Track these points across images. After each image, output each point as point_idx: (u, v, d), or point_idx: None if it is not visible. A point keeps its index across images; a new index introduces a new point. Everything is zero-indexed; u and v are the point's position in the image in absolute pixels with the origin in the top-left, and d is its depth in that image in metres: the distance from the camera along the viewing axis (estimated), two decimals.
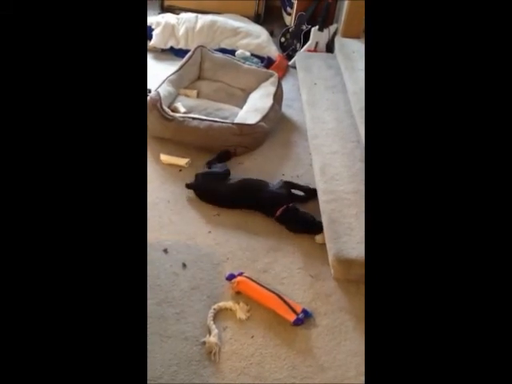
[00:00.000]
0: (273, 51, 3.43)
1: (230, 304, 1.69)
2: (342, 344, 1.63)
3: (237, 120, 2.55)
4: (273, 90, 2.77)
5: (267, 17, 3.97)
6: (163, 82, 2.66)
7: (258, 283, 1.76)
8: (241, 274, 1.79)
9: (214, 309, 1.66)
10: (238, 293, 1.74)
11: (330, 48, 3.46)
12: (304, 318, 1.66)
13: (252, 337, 1.61)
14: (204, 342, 1.55)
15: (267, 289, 1.74)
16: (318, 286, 1.83)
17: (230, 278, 1.78)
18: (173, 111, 2.50)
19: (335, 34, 3.44)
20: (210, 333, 1.58)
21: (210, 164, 2.30)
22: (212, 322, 1.61)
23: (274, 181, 2.24)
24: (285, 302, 1.69)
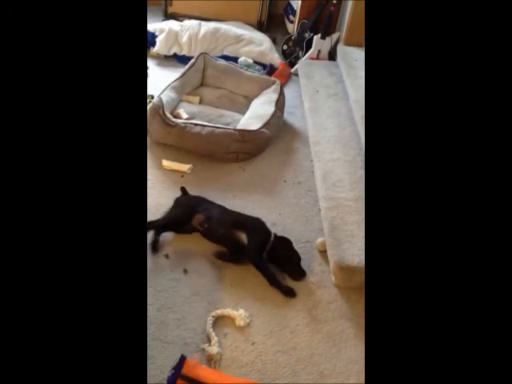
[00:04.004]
0: (275, 58, 3.45)
1: (228, 311, 1.68)
2: (342, 351, 1.63)
3: (239, 126, 2.56)
4: (275, 96, 2.79)
5: (270, 24, 4.00)
6: (166, 88, 2.68)
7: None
8: (183, 361, 1.47)
9: (213, 316, 1.65)
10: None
11: (332, 56, 3.48)
12: None
13: (252, 343, 1.61)
14: (204, 349, 1.55)
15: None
16: (319, 293, 1.83)
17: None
18: (175, 117, 2.51)
19: (337, 41, 3.46)
20: (209, 341, 1.58)
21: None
22: (211, 330, 1.60)
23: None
24: None
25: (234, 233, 1.90)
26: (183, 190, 2.14)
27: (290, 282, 1.85)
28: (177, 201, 2.08)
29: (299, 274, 1.87)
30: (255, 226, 1.93)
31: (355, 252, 1.84)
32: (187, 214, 1.98)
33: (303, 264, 1.92)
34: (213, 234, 1.94)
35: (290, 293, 1.79)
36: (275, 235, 1.92)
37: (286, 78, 3.38)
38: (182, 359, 1.47)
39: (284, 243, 1.91)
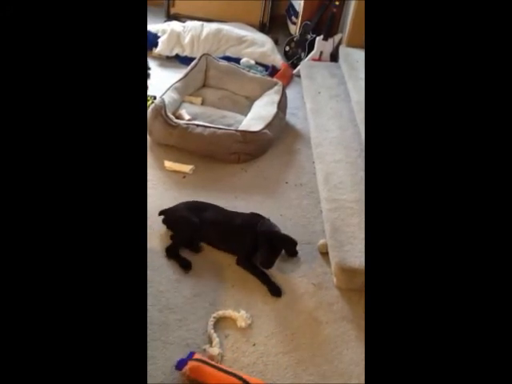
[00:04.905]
0: (277, 60, 3.45)
1: (230, 312, 1.68)
2: (343, 353, 1.63)
3: (241, 127, 2.56)
4: (277, 98, 2.79)
5: (272, 26, 4.00)
6: (168, 89, 2.68)
7: (214, 365, 1.47)
8: (192, 356, 1.49)
9: (214, 317, 1.65)
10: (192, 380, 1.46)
11: (334, 57, 3.49)
12: None
13: (254, 345, 1.61)
14: (205, 350, 1.55)
15: (225, 371, 1.45)
16: (321, 294, 1.83)
17: (180, 366, 1.47)
18: (177, 118, 2.52)
19: (340, 43, 3.46)
20: (211, 341, 1.58)
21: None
22: (213, 331, 1.60)
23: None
24: (246, 383, 1.43)
25: (233, 244, 1.94)
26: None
27: (291, 283, 1.85)
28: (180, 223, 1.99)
29: (265, 264, 1.84)
30: (241, 230, 1.94)
31: (357, 254, 1.84)
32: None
33: (304, 266, 1.93)
34: (216, 247, 1.97)
35: (275, 292, 1.79)
36: (262, 224, 1.92)
37: (288, 79, 3.38)
38: (192, 353, 1.51)
39: (265, 237, 1.87)
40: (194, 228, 1.94)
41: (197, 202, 2.08)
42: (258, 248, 1.87)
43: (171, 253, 1.89)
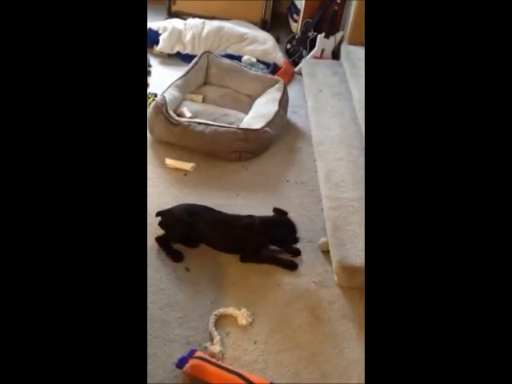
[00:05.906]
0: (279, 57, 3.45)
1: (231, 310, 1.68)
2: (344, 351, 1.63)
3: (242, 125, 2.56)
4: (278, 96, 2.78)
5: (274, 23, 3.99)
6: (169, 86, 2.68)
7: (216, 363, 1.47)
8: (193, 353, 1.49)
9: (215, 315, 1.65)
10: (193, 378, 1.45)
11: (335, 55, 3.48)
12: None
13: (255, 342, 1.61)
14: (206, 348, 1.55)
15: (227, 369, 1.45)
16: (322, 292, 1.82)
17: (181, 364, 1.47)
18: (179, 116, 2.51)
19: (341, 41, 3.46)
20: (212, 339, 1.58)
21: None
22: (214, 329, 1.60)
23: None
24: (248, 382, 1.42)
25: (233, 247, 1.94)
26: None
27: (290, 284, 1.85)
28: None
29: (294, 252, 1.97)
30: (245, 234, 1.92)
31: (358, 252, 1.84)
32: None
33: (306, 264, 1.94)
34: (217, 249, 1.96)
35: (292, 266, 1.90)
36: (274, 221, 1.95)
37: (290, 77, 3.37)
38: (193, 350, 1.51)
39: (283, 227, 1.95)
40: (189, 224, 1.91)
41: (193, 204, 2.04)
42: (276, 238, 1.93)
43: (162, 242, 1.89)
